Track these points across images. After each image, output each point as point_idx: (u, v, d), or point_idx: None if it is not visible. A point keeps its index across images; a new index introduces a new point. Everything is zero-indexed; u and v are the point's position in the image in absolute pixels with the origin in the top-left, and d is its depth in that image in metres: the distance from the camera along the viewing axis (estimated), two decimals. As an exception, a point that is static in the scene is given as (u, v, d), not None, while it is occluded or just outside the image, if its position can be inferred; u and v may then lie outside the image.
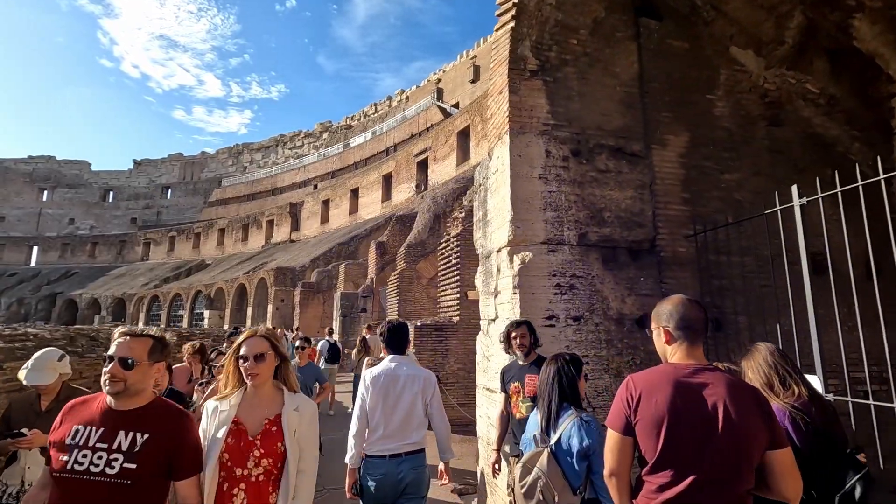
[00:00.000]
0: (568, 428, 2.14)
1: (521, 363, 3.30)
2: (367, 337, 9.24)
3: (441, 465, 3.05)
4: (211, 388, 3.21)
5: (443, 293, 9.48)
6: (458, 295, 8.57)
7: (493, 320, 4.07)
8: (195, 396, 3.60)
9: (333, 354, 10.10)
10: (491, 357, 4.00)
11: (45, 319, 46.31)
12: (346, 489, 2.94)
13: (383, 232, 20.68)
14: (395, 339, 3.17)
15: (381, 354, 6.33)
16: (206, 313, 38.11)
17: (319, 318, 24.75)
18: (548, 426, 2.23)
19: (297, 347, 5.35)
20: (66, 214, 66.57)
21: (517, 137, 3.79)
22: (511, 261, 3.72)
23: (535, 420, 2.35)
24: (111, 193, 69.47)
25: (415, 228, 14.05)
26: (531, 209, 3.72)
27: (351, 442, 2.95)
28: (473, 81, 45.84)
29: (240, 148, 72.19)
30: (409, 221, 19.20)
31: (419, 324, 8.40)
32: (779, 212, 3.25)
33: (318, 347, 10.32)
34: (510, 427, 3.41)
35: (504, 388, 3.37)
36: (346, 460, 2.94)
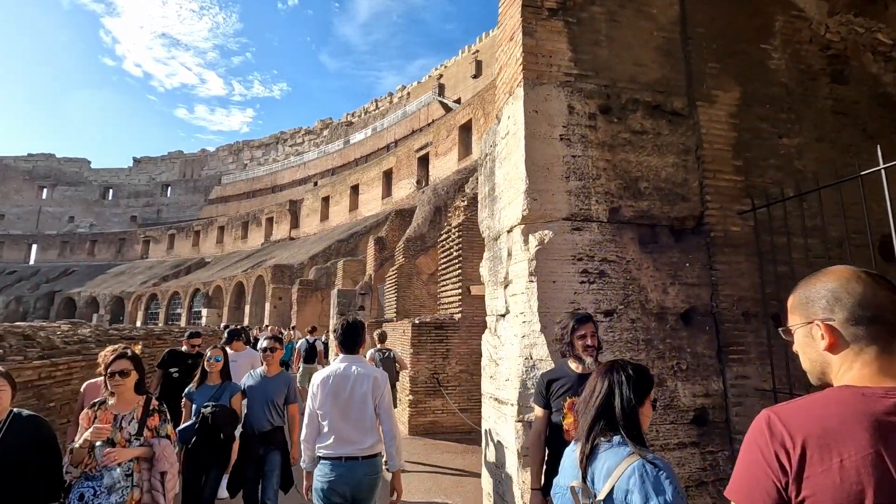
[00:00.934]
0: (625, 478, 1.37)
1: (576, 370, 2.43)
2: (381, 336, 9.19)
3: (391, 477, 2.90)
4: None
5: (443, 288, 8.75)
6: (460, 290, 7.85)
7: (503, 316, 3.34)
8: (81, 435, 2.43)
9: (310, 354, 9.77)
10: (501, 360, 3.27)
11: (43, 318, 45.90)
12: (304, 491, 2.99)
13: (383, 227, 19.96)
14: (348, 339, 2.99)
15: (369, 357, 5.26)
16: (204, 312, 37.60)
17: (318, 316, 24.08)
18: (587, 467, 1.48)
19: (265, 350, 3.86)
20: (65, 212, 66.24)
21: (533, 90, 3.06)
22: (526, 242, 2.99)
23: (572, 459, 1.57)
24: (111, 191, 69.13)
25: (414, 221, 13.33)
26: (551, 178, 2.99)
27: (301, 447, 2.94)
28: (475, 77, 45.14)
29: (240, 145, 71.71)
30: (409, 216, 18.49)
31: (417, 321, 7.68)
32: (860, 180, 2.52)
33: (298, 346, 10.16)
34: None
35: (545, 402, 2.49)
36: (301, 465, 2.99)
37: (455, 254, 8.18)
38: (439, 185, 13.66)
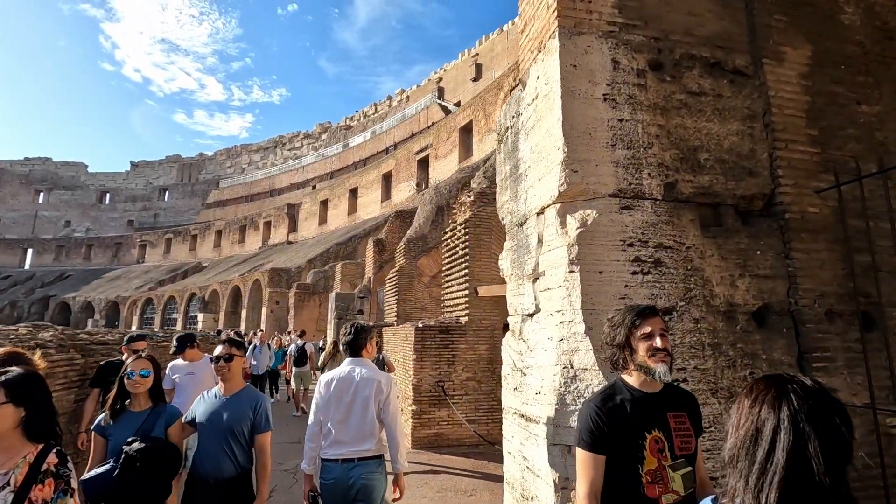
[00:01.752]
0: None
1: (639, 387, 1.72)
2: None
3: (392, 477, 2.94)
4: None
5: (448, 290, 8.19)
6: (467, 291, 7.28)
7: (531, 315, 2.78)
8: None
9: (300, 357, 9.96)
10: (529, 369, 2.71)
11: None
12: (304, 496, 2.89)
13: (383, 229, 19.42)
14: (352, 342, 3.03)
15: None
16: (200, 316, 37.07)
17: (315, 320, 23.48)
18: None
19: (217, 360, 2.75)
20: (62, 216, 65.80)
21: (570, 40, 2.51)
22: (563, 224, 2.44)
23: None
24: (108, 195, 68.78)
25: (415, 221, 12.77)
26: (594, 145, 2.44)
27: (305, 447, 2.93)
28: (475, 80, 44.89)
29: (238, 149, 71.40)
30: (409, 217, 17.95)
31: (421, 325, 7.11)
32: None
33: (290, 350, 10.51)
34: None
35: (601, 443, 1.65)
36: (301, 466, 2.94)
37: (461, 252, 7.62)
38: (441, 184, 13.12)
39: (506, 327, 7.42)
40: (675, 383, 2.31)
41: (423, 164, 32.96)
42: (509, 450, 3.01)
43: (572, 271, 2.33)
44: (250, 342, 11.27)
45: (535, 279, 2.71)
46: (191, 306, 39.92)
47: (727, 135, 2.63)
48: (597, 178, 2.42)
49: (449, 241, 8.19)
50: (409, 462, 6.68)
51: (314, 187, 50.51)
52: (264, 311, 28.82)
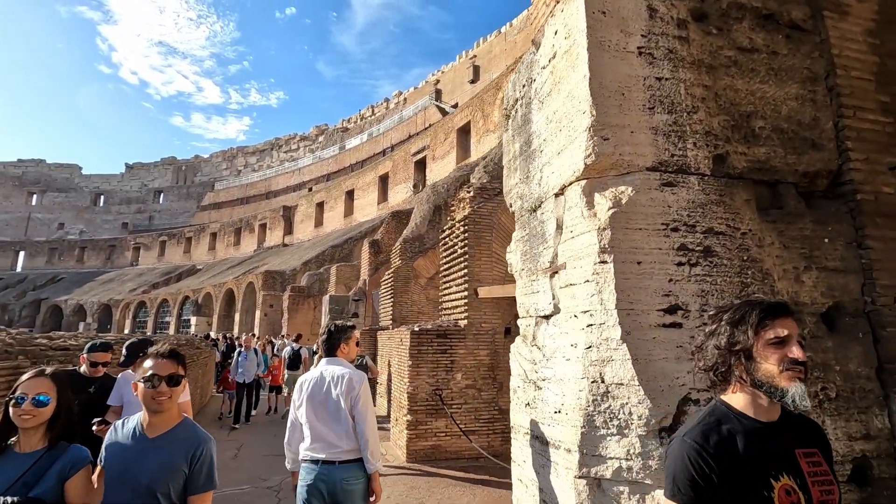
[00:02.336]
0: None
1: (754, 417, 1.22)
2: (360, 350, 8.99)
3: (366, 478, 2.80)
4: None
5: (446, 292, 7.71)
6: (466, 293, 6.81)
7: (548, 317, 2.32)
8: None
9: (294, 361, 10.05)
10: (547, 382, 2.24)
11: (29, 326, 44.63)
12: (293, 489, 2.90)
13: (378, 231, 18.95)
14: (326, 342, 3.02)
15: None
16: (193, 320, 36.48)
17: (310, 324, 22.96)
18: None
19: (148, 380, 1.78)
20: (55, 219, 65.18)
21: (597, -17, 2.06)
22: (590, 204, 1.98)
23: None
24: (102, 198, 68.23)
25: (412, 221, 12.30)
26: (628, 108, 1.99)
27: (285, 449, 2.95)
28: (473, 82, 44.65)
29: (234, 151, 70.97)
30: (406, 218, 17.49)
31: (417, 328, 6.62)
32: None
33: (284, 354, 10.55)
34: None
35: (715, 496, 1.13)
36: (286, 465, 2.97)
37: (460, 251, 7.15)
38: (439, 182, 12.67)
39: (508, 331, 6.93)
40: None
41: (421, 165, 32.60)
42: (520, 477, 2.54)
43: (603, 262, 1.87)
44: (238, 346, 10.82)
45: (553, 273, 2.25)
46: (184, 309, 39.36)
47: (785, 99, 2.18)
48: (632, 147, 1.96)
49: (447, 239, 7.73)
50: (402, 475, 6.22)
51: (310, 189, 50.11)
52: (258, 314, 28.27)
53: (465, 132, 28.89)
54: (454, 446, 6.36)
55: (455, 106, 39.71)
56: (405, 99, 51.95)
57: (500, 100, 25.53)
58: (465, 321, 6.73)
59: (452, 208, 7.69)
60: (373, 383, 8.74)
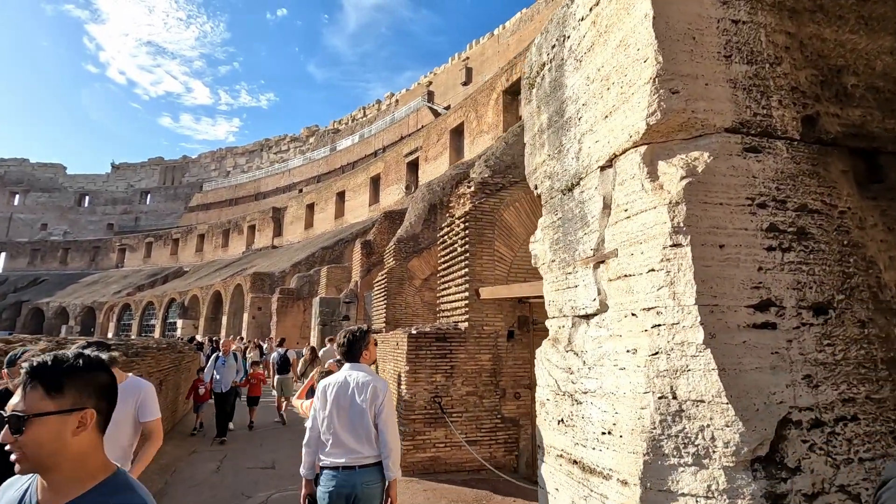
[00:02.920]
0: None
1: None
2: (326, 348, 9.04)
3: (383, 482, 2.84)
4: None
5: (444, 293, 7.30)
6: (467, 294, 6.40)
7: (589, 317, 1.91)
8: None
9: (283, 365, 10.21)
10: (589, 396, 1.83)
11: (9, 329, 43.53)
12: (301, 500, 2.92)
13: (371, 232, 18.50)
14: (348, 350, 3.00)
15: (327, 367, 4.21)
16: (180, 323, 35.73)
17: (299, 327, 22.41)
18: None
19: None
20: (38, 219, 63.92)
21: None
22: (653, 175, 1.58)
23: None
24: (87, 198, 67.09)
25: (406, 220, 11.88)
26: (701, 54, 1.59)
27: (303, 452, 2.93)
28: (465, 84, 44.52)
29: (223, 152, 70.18)
30: (399, 218, 17.06)
31: (414, 331, 6.19)
32: None
33: (272, 359, 10.84)
34: None
35: None
36: (301, 471, 2.95)
37: (460, 250, 6.74)
38: (434, 181, 12.29)
39: (511, 334, 6.53)
40: (842, 422, 1.45)
41: (413, 166, 32.28)
42: (551, 509, 2.12)
43: (677, 245, 1.47)
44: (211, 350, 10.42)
45: (598, 264, 1.85)
46: (170, 312, 38.57)
47: (879, 53, 1.80)
48: (707, 103, 1.56)
49: (445, 237, 7.31)
50: (399, 490, 5.76)
51: (300, 191, 49.57)
52: (246, 317, 27.63)
53: (458, 133, 28.61)
54: (454, 458, 5.93)
55: (448, 108, 39.41)
56: (397, 101, 51.66)
57: (493, 101, 25.25)
58: (466, 324, 6.32)
59: (451, 205, 7.29)
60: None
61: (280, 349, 10.88)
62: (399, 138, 41.22)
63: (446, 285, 7.14)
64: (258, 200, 56.01)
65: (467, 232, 6.55)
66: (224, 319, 31.35)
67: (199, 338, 18.71)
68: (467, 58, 46.35)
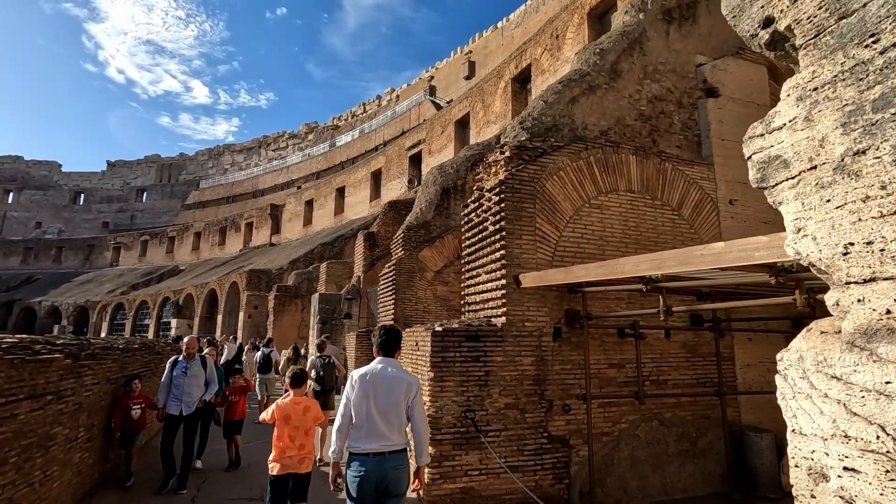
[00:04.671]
0: None
1: None
2: (319, 346, 8.23)
3: (415, 469, 3.08)
4: None
5: (471, 281, 6.02)
6: (504, 281, 5.14)
7: None
8: None
9: (265, 364, 9.99)
10: None
11: (0, 328, 42.28)
12: (330, 482, 3.05)
13: (373, 225, 17.23)
14: (387, 342, 3.20)
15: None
16: (174, 322, 34.48)
17: (297, 326, 21.14)
18: None
19: None
20: (32, 217, 62.76)
21: None
22: None
23: None
24: (82, 196, 65.98)
25: (416, 206, 10.63)
26: None
27: (333, 437, 3.06)
28: (468, 78, 43.33)
29: (220, 149, 68.98)
30: (405, 209, 15.80)
31: (440, 328, 4.91)
32: None
33: (255, 358, 10.42)
34: None
35: None
36: (329, 454, 3.12)
37: (492, 228, 5.47)
38: (447, 163, 11.03)
39: (557, 332, 5.26)
40: None
41: (416, 160, 31.13)
42: None
43: None
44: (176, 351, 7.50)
45: None
46: (164, 311, 37.33)
47: None
48: None
49: (472, 215, 6.04)
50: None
51: (299, 188, 48.41)
52: (241, 315, 26.35)
53: (463, 124, 27.45)
54: (492, 488, 4.66)
55: (450, 102, 38.20)
56: (398, 96, 50.50)
57: (501, 90, 24.03)
58: (503, 318, 5.05)
59: (478, 176, 6.02)
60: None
61: (265, 349, 10.54)
62: (400, 133, 40.07)
63: (474, 273, 5.87)
64: (256, 198, 54.94)
65: (502, 206, 5.28)
66: (219, 318, 30.08)
67: (186, 339, 16.84)
68: (470, 51, 45.21)
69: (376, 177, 34.48)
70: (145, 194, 66.43)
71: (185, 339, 6.21)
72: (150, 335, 35.98)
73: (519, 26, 40.46)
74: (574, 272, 4.23)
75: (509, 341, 5.02)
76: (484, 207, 5.70)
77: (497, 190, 5.41)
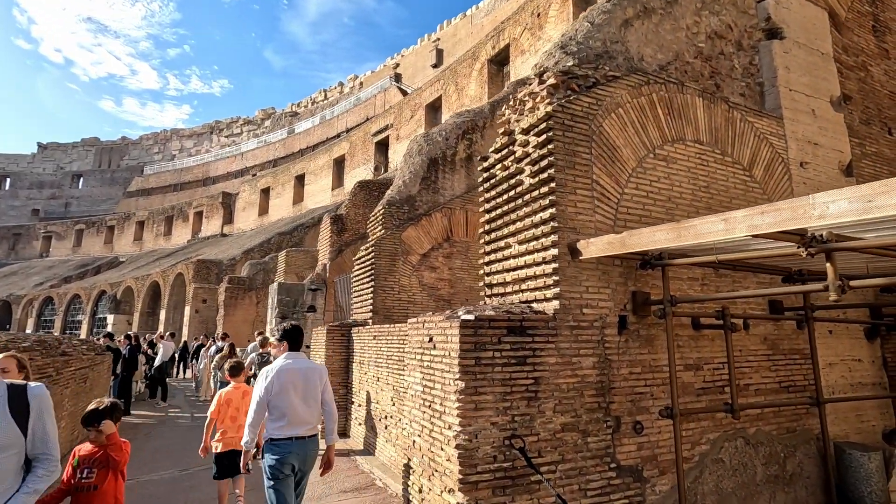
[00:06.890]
0: None
1: None
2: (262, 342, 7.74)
3: (324, 449, 3.52)
4: None
5: (497, 255, 4.48)
6: (556, 251, 3.65)
7: None
8: None
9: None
10: None
11: None
12: (242, 466, 3.34)
13: (343, 206, 15.39)
14: (294, 336, 3.52)
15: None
16: (111, 318, 31.28)
17: (251, 322, 19.00)
18: None
19: None
20: (-51, 203, 56.62)
21: None
22: None
23: None
24: (8, 180, 60.23)
25: (398, 179, 8.99)
26: None
27: (247, 430, 3.34)
28: (436, 66, 41.76)
29: (168, 134, 64.49)
30: (377, 189, 14.10)
31: (472, 317, 3.33)
32: None
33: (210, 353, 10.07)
34: None
35: None
36: (242, 444, 3.40)
37: (529, 182, 3.96)
38: (434, 130, 9.43)
39: (623, 322, 3.70)
40: None
41: (383, 147, 29.44)
42: None
43: None
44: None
45: None
46: (99, 306, 33.90)
47: None
48: None
49: (496, 168, 4.50)
50: None
51: (254, 175, 45.51)
52: (188, 310, 23.84)
53: (434, 109, 25.95)
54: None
55: (419, 89, 36.51)
56: (361, 83, 48.36)
57: (477, 71, 22.62)
58: (555, 302, 3.55)
59: (504, 114, 4.51)
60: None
61: (219, 342, 10.81)
62: (364, 119, 38.10)
63: (501, 244, 4.33)
64: (206, 186, 51.57)
65: (551, 147, 3.78)
66: (162, 314, 27.34)
67: (122, 338, 12.44)
68: (438, 39, 43.65)
69: (339, 164, 32.50)
70: (81, 180, 61.38)
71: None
72: (84, 333, 32.53)
73: (489, 14, 39.17)
74: (655, 235, 2.77)
75: (565, 335, 3.53)
76: (517, 155, 4.18)
77: (542, 127, 3.90)
